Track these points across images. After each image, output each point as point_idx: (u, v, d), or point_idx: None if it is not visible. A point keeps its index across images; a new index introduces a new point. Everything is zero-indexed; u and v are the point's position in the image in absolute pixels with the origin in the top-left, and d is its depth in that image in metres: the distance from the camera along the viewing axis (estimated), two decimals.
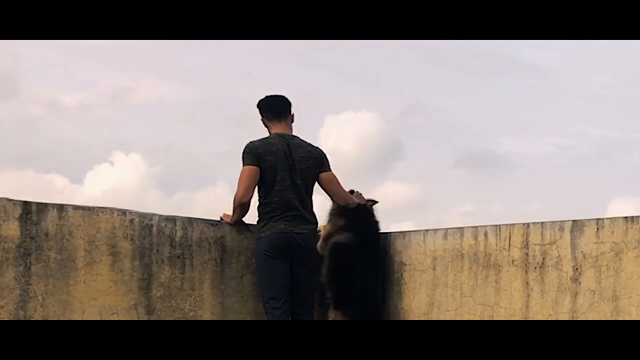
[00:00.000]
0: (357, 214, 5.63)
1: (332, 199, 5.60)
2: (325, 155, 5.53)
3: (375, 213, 5.81)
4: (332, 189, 5.52)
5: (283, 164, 5.32)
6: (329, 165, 5.51)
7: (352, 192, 5.73)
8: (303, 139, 5.51)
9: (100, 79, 20.70)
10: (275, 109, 5.51)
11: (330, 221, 5.69)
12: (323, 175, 5.46)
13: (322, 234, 5.66)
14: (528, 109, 21.16)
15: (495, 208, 18.98)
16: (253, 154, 5.34)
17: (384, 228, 5.88)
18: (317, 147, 5.53)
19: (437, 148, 21.81)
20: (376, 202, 5.83)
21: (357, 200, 5.67)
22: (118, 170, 18.88)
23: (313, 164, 5.41)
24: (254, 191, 5.36)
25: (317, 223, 5.48)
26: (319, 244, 5.59)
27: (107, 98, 21.00)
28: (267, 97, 5.56)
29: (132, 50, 19.53)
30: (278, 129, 5.47)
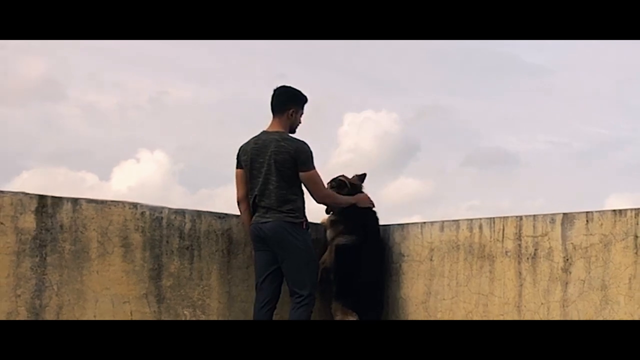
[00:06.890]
0: (356, 218, 5.77)
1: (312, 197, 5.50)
2: (303, 151, 5.29)
3: (375, 214, 5.91)
4: (309, 188, 5.38)
5: (254, 162, 5.31)
6: (306, 163, 5.29)
7: (360, 188, 5.86)
8: (287, 135, 5.36)
9: (137, 83, 21.32)
10: (271, 103, 5.43)
11: (331, 226, 5.87)
12: (301, 175, 5.30)
13: (328, 235, 5.87)
14: (528, 108, 21.70)
15: (502, 203, 19.44)
16: (237, 157, 5.46)
17: (392, 220, 5.99)
18: (297, 141, 5.33)
19: (449, 146, 22.32)
20: (373, 206, 5.89)
21: (338, 201, 5.67)
22: (143, 166, 19.12)
23: (283, 158, 5.25)
24: (241, 191, 5.42)
25: (292, 212, 5.27)
26: (331, 245, 5.83)
27: (144, 101, 21.56)
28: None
29: (166, 55, 20.18)
30: (269, 125, 5.42)
